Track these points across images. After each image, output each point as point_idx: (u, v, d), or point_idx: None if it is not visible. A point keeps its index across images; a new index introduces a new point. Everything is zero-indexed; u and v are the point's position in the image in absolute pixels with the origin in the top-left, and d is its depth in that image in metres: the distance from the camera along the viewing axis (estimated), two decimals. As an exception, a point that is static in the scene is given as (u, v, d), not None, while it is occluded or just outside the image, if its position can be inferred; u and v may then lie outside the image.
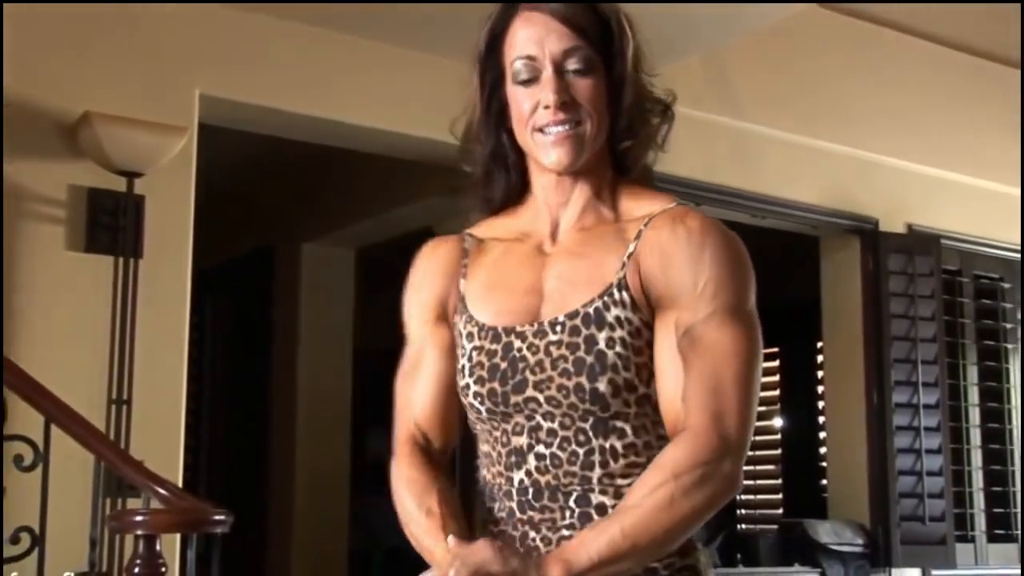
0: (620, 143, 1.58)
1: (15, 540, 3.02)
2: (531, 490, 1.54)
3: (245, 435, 6.37)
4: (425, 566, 1.47)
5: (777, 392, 8.19)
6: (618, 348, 1.50)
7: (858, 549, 5.44)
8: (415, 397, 1.65)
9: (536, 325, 1.56)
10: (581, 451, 1.52)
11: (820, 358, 6.52)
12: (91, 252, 3.83)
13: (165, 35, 4.08)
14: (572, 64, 1.53)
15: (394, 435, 1.67)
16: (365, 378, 6.27)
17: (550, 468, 1.53)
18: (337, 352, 6.18)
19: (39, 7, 3.86)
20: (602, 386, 1.50)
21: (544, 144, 1.55)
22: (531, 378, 1.54)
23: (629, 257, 1.52)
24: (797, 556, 5.43)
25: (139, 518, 2.86)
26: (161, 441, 3.84)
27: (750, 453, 6.06)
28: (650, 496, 1.41)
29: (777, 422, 8.17)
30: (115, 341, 3.79)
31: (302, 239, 6.20)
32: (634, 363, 1.50)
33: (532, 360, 1.54)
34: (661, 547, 1.44)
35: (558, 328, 1.53)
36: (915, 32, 5.98)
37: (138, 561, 2.76)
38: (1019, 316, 6.29)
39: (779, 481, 8.12)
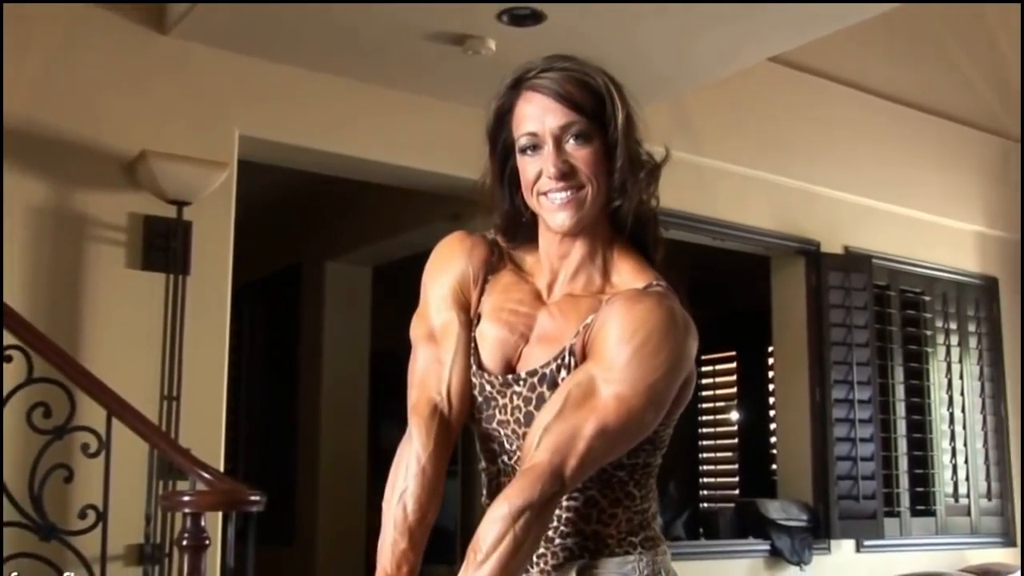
0: (613, 202, 1.51)
1: (82, 516, 3.03)
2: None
3: (277, 426, 6.36)
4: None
5: (734, 390, 8.18)
6: None
7: (803, 523, 5.44)
8: (446, 369, 1.56)
9: (502, 378, 1.52)
10: None
11: (771, 360, 6.52)
12: (147, 270, 3.82)
13: (209, 83, 4.08)
14: (570, 137, 1.48)
15: (414, 397, 1.57)
16: (380, 376, 6.27)
17: (510, 477, 1.51)
18: (356, 354, 6.15)
19: (109, 61, 3.89)
20: None
21: (549, 208, 1.50)
22: (497, 415, 1.53)
23: (584, 327, 1.46)
24: (751, 530, 5.43)
25: (186, 498, 2.85)
26: (205, 431, 3.83)
27: (712, 442, 6.04)
28: (495, 550, 1.35)
29: (734, 415, 8.16)
30: (166, 346, 3.79)
31: (326, 258, 6.18)
32: None
33: (501, 401, 1.53)
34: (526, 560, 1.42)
35: (521, 382, 1.50)
36: (850, 83, 6.02)
37: (186, 534, 2.76)
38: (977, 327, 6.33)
39: (736, 466, 8.10)
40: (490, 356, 1.55)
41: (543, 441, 1.39)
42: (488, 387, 1.54)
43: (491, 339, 1.56)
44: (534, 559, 1.51)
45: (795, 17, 3.92)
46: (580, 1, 3.67)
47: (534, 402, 1.48)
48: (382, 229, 5.83)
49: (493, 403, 1.54)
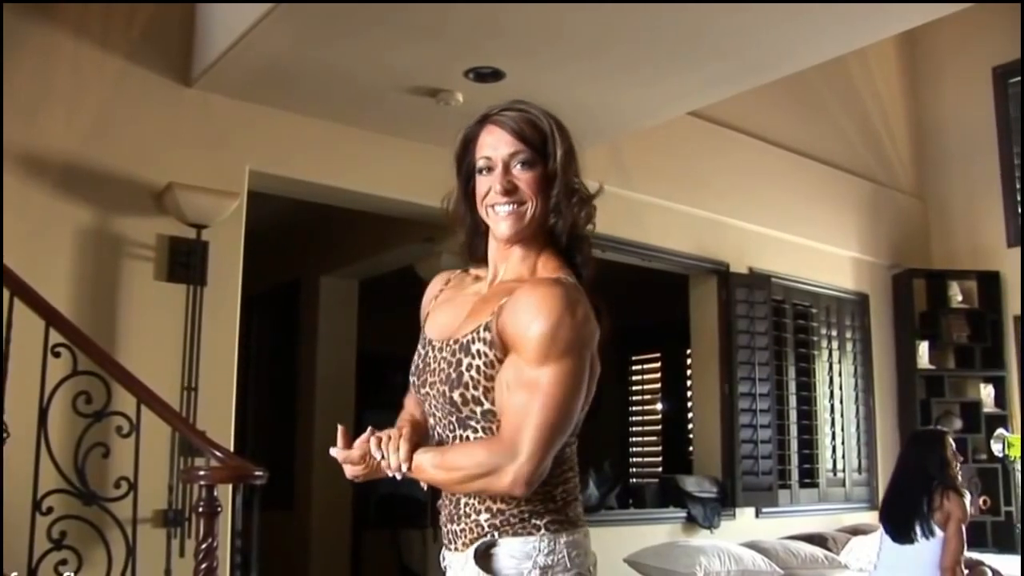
0: (549, 220, 1.55)
1: (117, 485, 3.02)
2: None
3: (278, 413, 6.34)
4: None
5: (659, 385, 8.26)
6: (472, 372, 1.47)
7: (713, 495, 5.51)
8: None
9: (440, 343, 1.56)
10: (450, 435, 1.53)
11: (689, 360, 6.59)
12: (171, 282, 3.81)
13: (225, 127, 4.08)
14: (517, 162, 1.52)
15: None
16: (364, 372, 6.28)
17: (440, 439, 1.56)
18: (345, 353, 6.12)
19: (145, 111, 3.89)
20: (456, 396, 1.49)
21: (495, 219, 1.54)
22: (428, 378, 1.56)
23: (500, 306, 1.48)
24: (671, 500, 5.49)
25: (202, 472, 2.85)
26: (218, 417, 3.82)
27: (640, 428, 5.95)
28: (456, 470, 1.46)
29: (659, 406, 8.24)
30: (186, 345, 3.79)
31: (320, 273, 6.16)
32: (482, 385, 1.47)
33: (433, 366, 1.56)
34: (450, 488, 1.52)
35: (446, 349, 1.53)
36: (753, 135, 6.13)
37: (202, 502, 2.78)
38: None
39: (659, 447, 8.18)
40: (437, 332, 1.60)
41: (503, 424, 1.45)
42: (429, 353, 1.58)
43: (439, 319, 1.62)
44: (455, 535, 1.52)
45: (709, 79, 4.01)
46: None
47: (452, 365, 1.51)
48: (367, 249, 5.82)
49: (427, 368, 1.57)
